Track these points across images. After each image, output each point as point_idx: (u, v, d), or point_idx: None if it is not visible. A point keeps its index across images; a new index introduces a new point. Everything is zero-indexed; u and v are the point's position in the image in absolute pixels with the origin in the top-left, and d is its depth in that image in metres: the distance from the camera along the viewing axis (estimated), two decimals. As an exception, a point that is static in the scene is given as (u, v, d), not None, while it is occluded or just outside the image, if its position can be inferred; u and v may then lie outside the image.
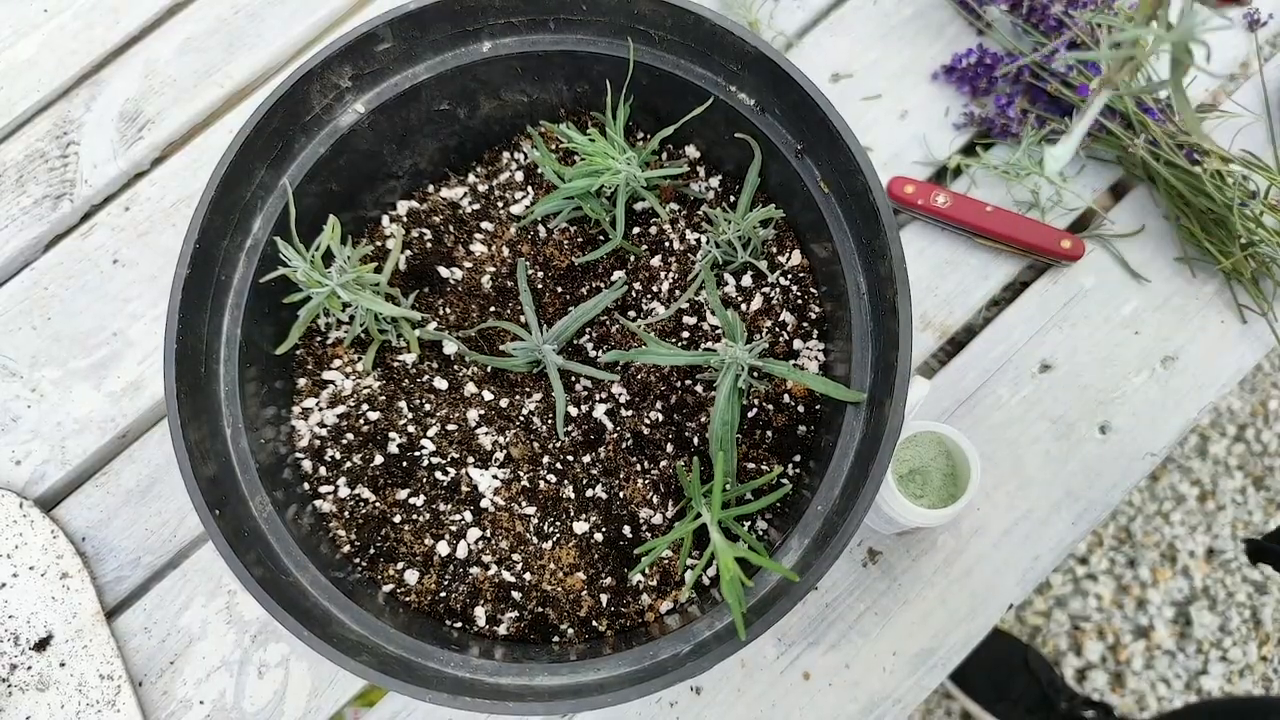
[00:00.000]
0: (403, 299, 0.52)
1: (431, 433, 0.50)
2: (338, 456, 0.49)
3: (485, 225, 0.54)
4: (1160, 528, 1.34)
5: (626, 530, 0.48)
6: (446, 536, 0.48)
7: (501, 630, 0.46)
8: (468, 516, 0.49)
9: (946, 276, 0.67)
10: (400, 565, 0.47)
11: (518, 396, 0.51)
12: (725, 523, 0.43)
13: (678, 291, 0.52)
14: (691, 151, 0.55)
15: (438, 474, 0.49)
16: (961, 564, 0.60)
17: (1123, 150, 0.66)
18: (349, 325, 0.51)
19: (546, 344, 0.49)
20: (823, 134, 0.46)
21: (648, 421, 0.50)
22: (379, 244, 0.54)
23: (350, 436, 0.50)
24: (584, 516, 0.48)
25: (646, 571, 0.47)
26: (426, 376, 0.51)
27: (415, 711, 0.58)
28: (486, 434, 0.50)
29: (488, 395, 0.51)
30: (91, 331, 0.66)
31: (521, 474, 0.49)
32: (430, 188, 0.56)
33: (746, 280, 0.53)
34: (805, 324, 0.51)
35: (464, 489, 0.49)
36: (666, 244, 0.53)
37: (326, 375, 0.51)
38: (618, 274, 0.53)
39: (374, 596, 0.45)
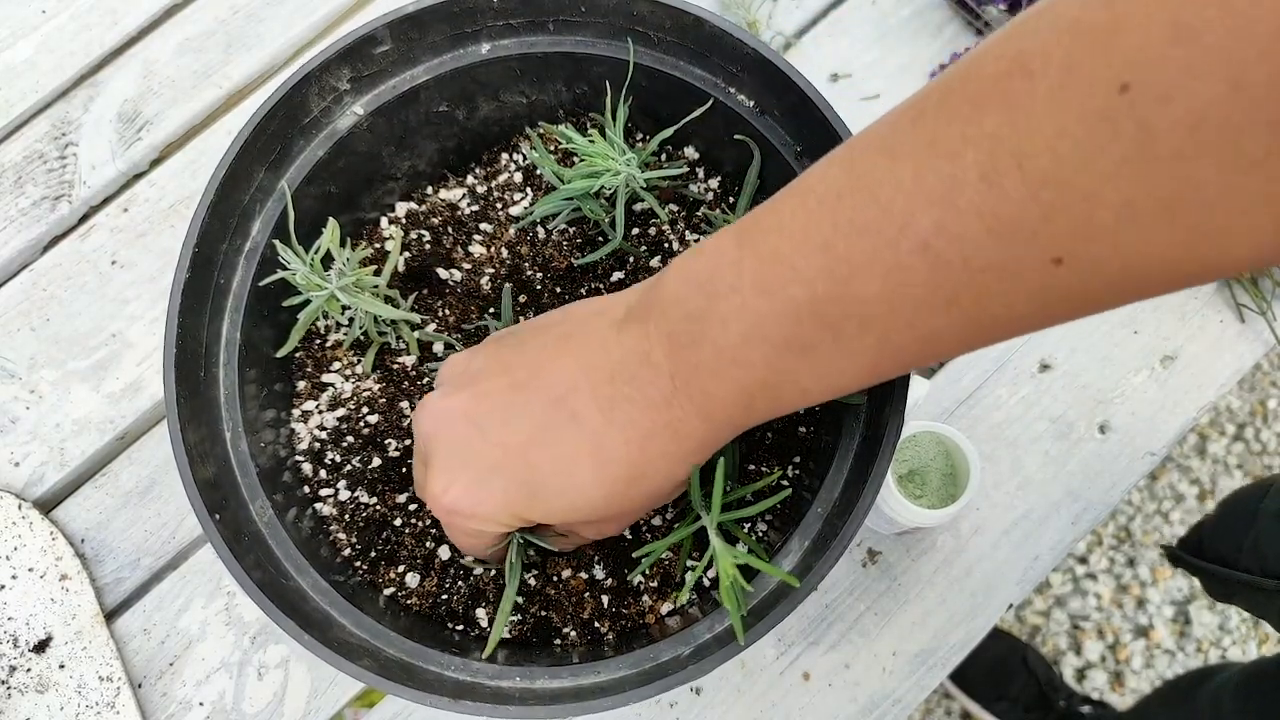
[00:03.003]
0: (402, 301, 0.52)
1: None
2: (338, 459, 0.49)
3: (484, 227, 0.54)
4: (1160, 527, 1.35)
5: (626, 531, 0.48)
6: (449, 541, 0.48)
7: (503, 633, 0.46)
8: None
9: (946, 277, 0.67)
10: (401, 568, 0.47)
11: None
12: (725, 525, 0.43)
13: (677, 293, 0.52)
14: (691, 152, 0.55)
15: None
16: (961, 564, 0.60)
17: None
18: (348, 328, 0.51)
19: None
20: (822, 135, 0.46)
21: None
22: (378, 246, 0.54)
23: (350, 439, 0.50)
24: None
25: (647, 573, 0.47)
26: (427, 378, 0.51)
27: (415, 713, 0.58)
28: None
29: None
30: (90, 333, 0.66)
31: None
32: (429, 189, 0.56)
33: (746, 281, 0.52)
34: (805, 325, 0.51)
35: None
36: (666, 245, 0.53)
37: (326, 378, 0.51)
38: (617, 275, 0.53)
39: (375, 600, 0.45)
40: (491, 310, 0.53)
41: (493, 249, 0.54)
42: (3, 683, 0.58)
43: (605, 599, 0.47)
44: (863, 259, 0.27)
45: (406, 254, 0.54)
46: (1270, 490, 0.63)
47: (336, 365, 0.52)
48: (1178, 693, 0.87)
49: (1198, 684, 0.80)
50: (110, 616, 0.60)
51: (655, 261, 0.53)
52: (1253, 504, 0.63)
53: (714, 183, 0.55)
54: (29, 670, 0.58)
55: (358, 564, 0.48)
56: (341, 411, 0.50)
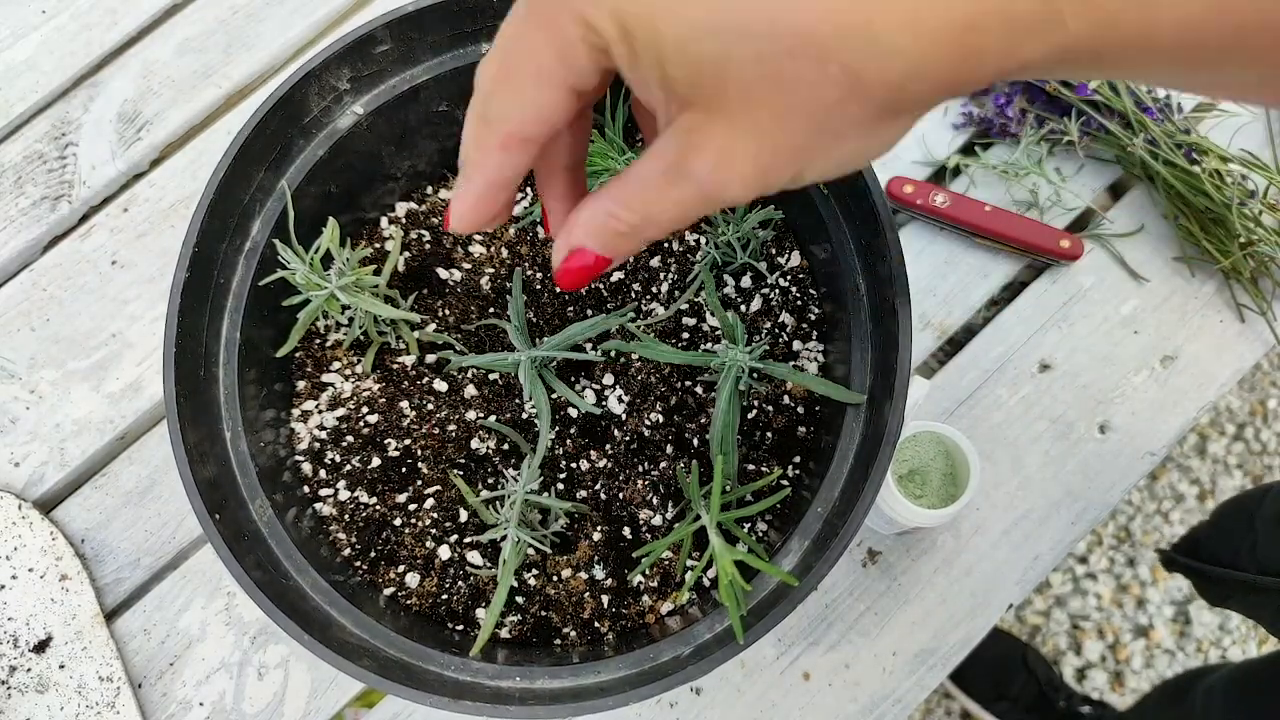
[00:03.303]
0: (401, 301, 0.52)
1: (432, 434, 0.50)
2: (337, 459, 0.49)
3: (484, 226, 0.54)
4: (1160, 527, 1.35)
5: (626, 531, 0.48)
6: (448, 541, 0.48)
7: (504, 633, 0.46)
8: (465, 516, 0.49)
9: (945, 276, 0.67)
10: (401, 568, 0.47)
11: (517, 400, 0.51)
12: (725, 525, 0.43)
13: (677, 292, 0.52)
14: (690, 152, 0.55)
15: (438, 476, 0.49)
16: (961, 564, 0.60)
17: (1121, 150, 0.66)
18: (348, 327, 0.51)
19: (526, 357, 0.48)
20: (822, 135, 0.46)
21: (648, 423, 0.50)
22: (378, 246, 0.54)
23: (350, 439, 0.50)
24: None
25: (647, 573, 0.47)
26: (426, 378, 0.51)
27: (415, 713, 0.58)
28: (488, 436, 0.50)
29: (490, 396, 0.51)
30: (90, 333, 0.66)
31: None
32: (429, 189, 0.56)
33: (746, 281, 0.53)
34: (805, 325, 0.51)
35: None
36: (666, 245, 0.53)
37: (326, 377, 0.51)
38: (617, 275, 0.53)
39: (374, 600, 0.45)
40: (492, 310, 0.53)
41: (493, 248, 0.54)
42: (3, 683, 0.58)
43: (605, 599, 0.47)
44: None
45: (406, 254, 0.54)
46: (1268, 496, 0.63)
47: (336, 365, 0.52)
48: (1174, 692, 0.87)
49: (1191, 683, 0.80)
50: (110, 616, 0.60)
51: (655, 261, 0.53)
52: (1250, 508, 0.63)
53: (714, 182, 0.55)
54: (29, 670, 0.58)
55: (357, 564, 0.48)
56: (341, 411, 0.50)
